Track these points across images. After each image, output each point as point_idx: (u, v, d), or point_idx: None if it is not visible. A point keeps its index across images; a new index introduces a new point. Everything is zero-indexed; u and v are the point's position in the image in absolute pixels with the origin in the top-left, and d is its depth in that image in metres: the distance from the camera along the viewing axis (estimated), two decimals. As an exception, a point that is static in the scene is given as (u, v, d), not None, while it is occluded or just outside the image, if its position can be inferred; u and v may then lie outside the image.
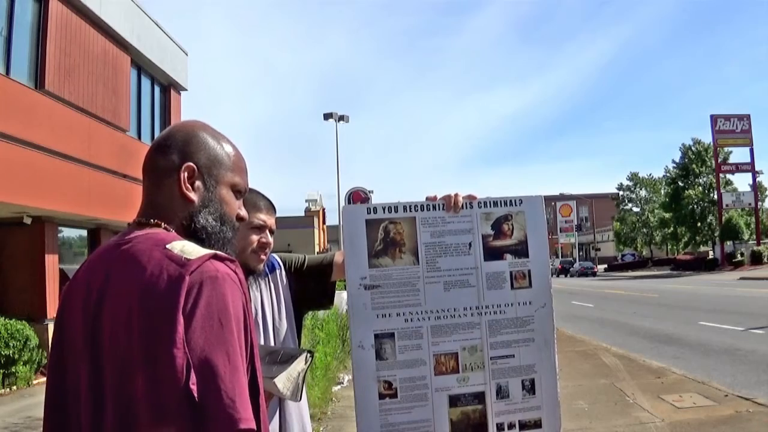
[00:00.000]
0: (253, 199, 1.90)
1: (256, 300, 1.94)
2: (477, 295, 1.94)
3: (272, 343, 1.93)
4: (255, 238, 1.89)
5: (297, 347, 2.04)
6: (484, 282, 1.95)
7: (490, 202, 1.99)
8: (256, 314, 1.92)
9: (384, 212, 1.93)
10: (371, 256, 1.89)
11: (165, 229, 1.15)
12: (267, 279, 1.99)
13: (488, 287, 1.95)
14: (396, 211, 1.93)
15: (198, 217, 1.18)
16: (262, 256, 1.92)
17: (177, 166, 1.17)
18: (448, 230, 1.95)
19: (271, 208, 1.98)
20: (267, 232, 1.93)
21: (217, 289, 1.03)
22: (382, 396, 1.87)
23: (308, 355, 1.82)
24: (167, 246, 1.08)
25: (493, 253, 1.96)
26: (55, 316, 1.19)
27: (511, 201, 2.01)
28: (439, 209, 1.95)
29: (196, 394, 0.96)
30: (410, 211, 1.94)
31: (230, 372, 0.99)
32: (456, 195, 1.94)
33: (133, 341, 1.01)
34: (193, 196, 1.17)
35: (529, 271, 1.98)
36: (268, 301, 1.97)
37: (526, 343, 1.95)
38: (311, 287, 2.08)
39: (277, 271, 2.03)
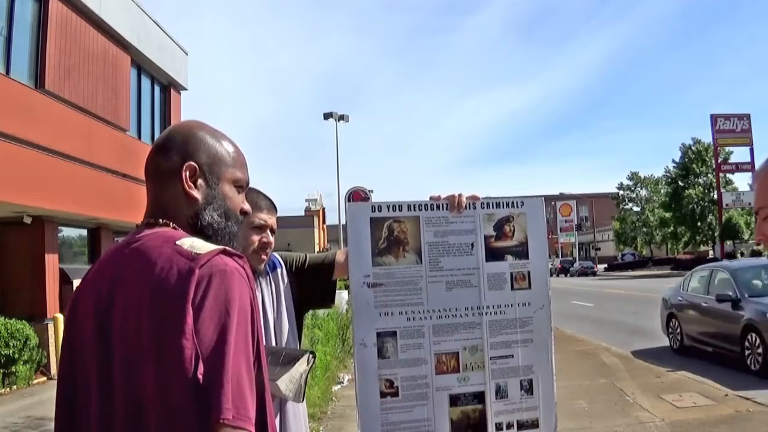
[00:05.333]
0: (254, 199, 1.90)
1: (257, 299, 1.93)
2: (478, 296, 1.94)
3: (273, 342, 1.94)
4: (256, 238, 1.90)
5: (298, 346, 2.05)
6: (486, 282, 1.95)
7: (492, 203, 2.00)
8: None
9: (388, 211, 1.93)
10: (375, 255, 1.90)
11: (173, 227, 1.17)
12: (268, 278, 2.00)
13: (489, 287, 1.95)
14: (400, 209, 1.93)
15: (203, 215, 1.20)
16: (263, 256, 1.93)
17: (178, 166, 1.19)
18: (451, 230, 1.95)
19: (272, 207, 1.99)
20: (268, 231, 1.94)
21: (225, 282, 1.05)
22: (383, 394, 1.87)
23: (310, 356, 1.83)
24: (177, 242, 1.10)
25: (494, 254, 1.97)
26: (65, 315, 1.21)
27: (512, 202, 2.01)
28: (442, 209, 1.96)
29: (201, 384, 0.98)
30: (414, 210, 1.94)
31: (236, 364, 1.01)
32: (460, 195, 1.95)
33: (143, 335, 1.02)
34: (196, 194, 1.20)
35: (528, 273, 1.99)
36: (269, 299, 1.98)
37: (524, 343, 1.96)
38: (312, 286, 2.09)
39: (278, 270, 2.04)
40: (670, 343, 9.95)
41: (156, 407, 0.99)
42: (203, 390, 0.98)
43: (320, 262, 2.12)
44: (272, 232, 1.96)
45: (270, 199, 2.00)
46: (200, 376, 0.98)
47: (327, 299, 2.17)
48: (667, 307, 10.15)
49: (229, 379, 0.99)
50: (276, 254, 2.06)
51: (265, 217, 1.93)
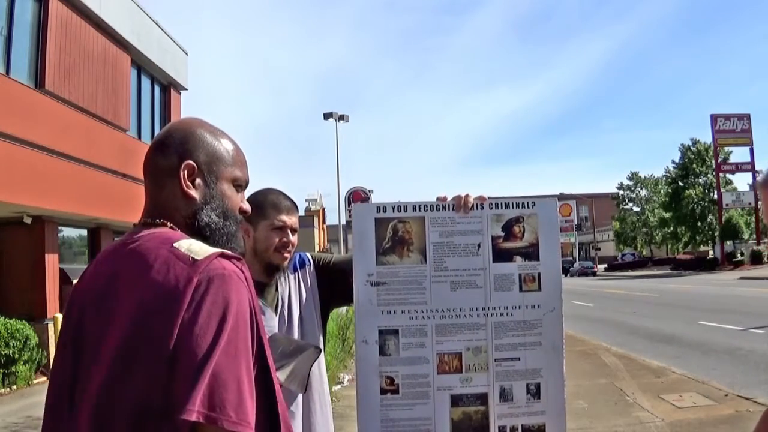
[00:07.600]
0: (275, 201, 1.99)
1: (284, 293, 2.03)
2: (484, 296, 1.93)
3: (296, 336, 2.00)
4: (276, 238, 1.97)
5: (322, 341, 2.12)
6: (492, 283, 1.94)
7: (501, 204, 1.98)
8: (282, 306, 2.01)
9: (393, 211, 1.94)
10: (379, 254, 1.92)
11: (171, 228, 1.16)
12: (296, 274, 2.09)
13: (495, 289, 1.94)
14: (405, 210, 1.94)
15: (201, 215, 1.19)
16: (285, 254, 1.99)
17: (177, 165, 1.18)
18: (458, 230, 1.94)
19: (293, 207, 2.05)
20: (288, 231, 1.99)
21: (223, 286, 1.04)
22: (383, 391, 1.88)
23: (315, 349, 1.86)
24: (174, 244, 1.08)
25: (502, 255, 1.95)
26: (63, 314, 1.20)
27: (523, 203, 1.98)
28: (449, 209, 1.95)
29: (182, 388, 0.96)
30: (419, 210, 1.94)
31: (235, 368, 0.99)
32: (467, 196, 1.95)
33: (133, 338, 1.01)
34: (194, 193, 1.18)
35: (539, 275, 1.96)
36: (296, 295, 2.05)
37: (532, 346, 1.93)
38: (338, 284, 2.13)
39: (307, 267, 2.12)
40: None
41: (125, 415, 0.98)
42: (177, 390, 0.96)
43: (343, 261, 2.18)
44: (293, 231, 2.01)
45: (291, 200, 2.06)
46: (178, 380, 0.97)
47: (352, 297, 2.20)
48: None
49: (204, 382, 0.96)
50: (307, 253, 2.15)
51: (285, 218, 1.99)
